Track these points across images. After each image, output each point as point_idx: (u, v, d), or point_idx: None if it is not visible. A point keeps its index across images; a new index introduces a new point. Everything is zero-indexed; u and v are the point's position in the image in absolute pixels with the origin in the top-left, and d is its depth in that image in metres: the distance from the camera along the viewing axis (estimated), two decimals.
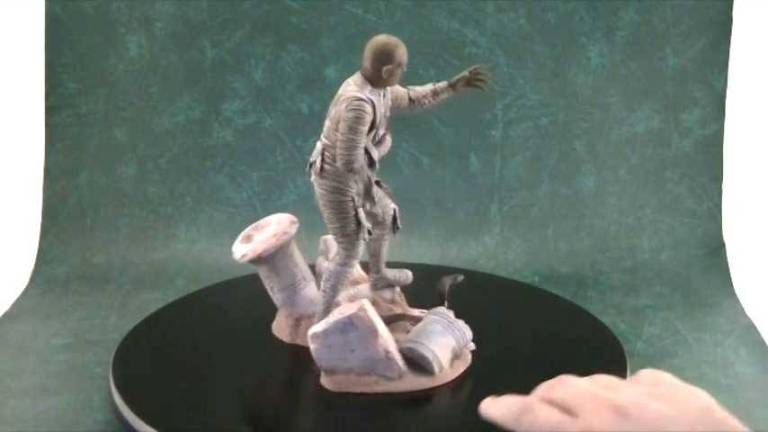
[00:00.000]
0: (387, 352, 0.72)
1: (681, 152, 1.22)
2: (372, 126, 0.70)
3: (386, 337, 0.72)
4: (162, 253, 1.18)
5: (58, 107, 1.20)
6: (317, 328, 0.72)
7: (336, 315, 0.71)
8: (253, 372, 0.79)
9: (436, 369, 0.73)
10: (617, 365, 0.79)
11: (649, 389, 0.47)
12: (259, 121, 1.22)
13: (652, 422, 0.44)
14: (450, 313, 0.77)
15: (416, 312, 0.82)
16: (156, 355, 0.82)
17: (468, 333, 0.77)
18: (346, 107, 0.68)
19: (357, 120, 0.68)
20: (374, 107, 0.69)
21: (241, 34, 1.21)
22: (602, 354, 0.82)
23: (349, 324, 0.70)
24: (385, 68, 0.69)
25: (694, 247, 1.19)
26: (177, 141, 1.22)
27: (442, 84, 0.75)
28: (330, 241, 0.88)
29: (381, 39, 0.70)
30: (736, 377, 0.88)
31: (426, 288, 0.83)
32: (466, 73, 0.75)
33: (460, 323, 0.77)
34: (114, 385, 0.74)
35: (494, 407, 0.49)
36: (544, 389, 0.49)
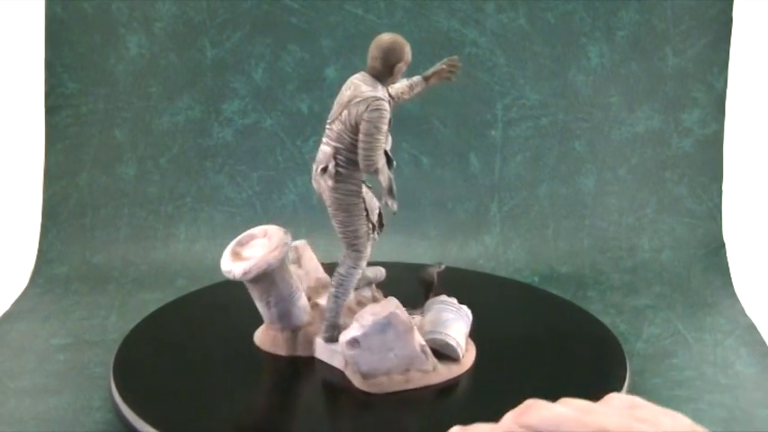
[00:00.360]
0: (422, 346, 0.73)
1: (681, 152, 1.22)
2: (389, 125, 0.70)
3: (417, 332, 0.74)
4: (162, 253, 1.18)
5: (58, 107, 1.20)
6: (354, 333, 0.71)
7: (369, 317, 0.71)
8: (253, 371, 0.79)
9: (460, 354, 0.76)
10: (617, 365, 0.79)
11: (628, 411, 0.45)
12: (259, 121, 1.22)
13: None
14: (454, 300, 0.79)
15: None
16: (157, 355, 0.82)
17: (470, 316, 0.80)
18: (367, 108, 0.68)
19: (381, 119, 0.68)
20: (389, 105, 0.70)
21: (241, 34, 1.21)
22: (602, 354, 0.82)
23: (387, 324, 0.71)
24: (398, 66, 0.70)
25: (694, 247, 1.19)
26: (177, 141, 1.22)
27: (417, 78, 0.77)
28: (301, 248, 0.88)
29: (388, 37, 0.70)
30: (736, 377, 0.88)
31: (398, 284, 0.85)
32: (443, 66, 0.76)
33: (465, 308, 0.79)
34: (114, 385, 0.74)
35: None
36: (515, 415, 0.46)
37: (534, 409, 0.45)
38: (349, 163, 0.71)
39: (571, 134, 1.23)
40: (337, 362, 0.76)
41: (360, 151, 0.69)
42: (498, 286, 1.03)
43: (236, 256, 0.78)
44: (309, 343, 0.79)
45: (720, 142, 1.22)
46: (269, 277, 0.77)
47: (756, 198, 1.24)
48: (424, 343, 0.74)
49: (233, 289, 0.99)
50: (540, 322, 0.90)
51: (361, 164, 0.70)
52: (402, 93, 0.77)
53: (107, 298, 1.08)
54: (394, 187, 0.73)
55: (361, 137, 0.69)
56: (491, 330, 0.84)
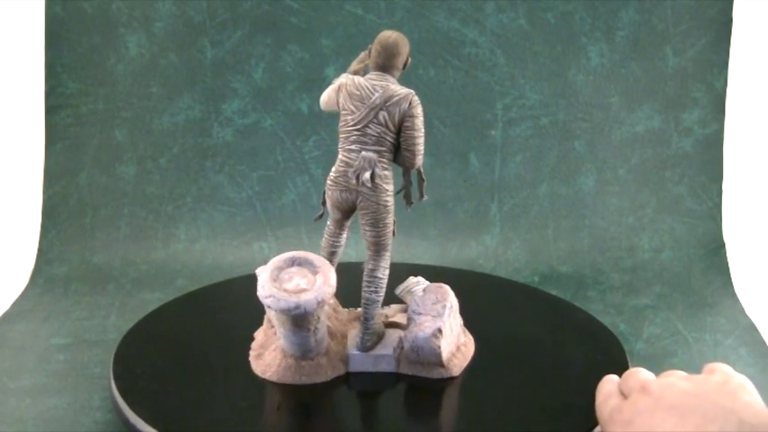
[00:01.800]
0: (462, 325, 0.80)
1: (681, 152, 1.22)
2: None
3: None
4: (162, 253, 1.18)
5: (58, 107, 1.20)
6: (435, 324, 0.73)
7: (431, 307, 0.75)
8: (252, 371, 0.79)
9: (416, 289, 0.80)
10: (617, 365, 0.79)
11: (703, 375, 0.59)
12: (259, 121, 1.22)
13: (668, 396, 0.55)
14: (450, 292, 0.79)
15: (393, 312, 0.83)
16: (156, 355, 0.82)
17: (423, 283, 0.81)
18: (410, 105, 0.69)
19: (421, 117, 0.70)
20: None
21: (241, 34, 1.21)
22: (603, 354, 0.82)
23: (450, 307, 0.76)
24: (410, 62, 0.71)
25: (694, 247, 1.19)
26: (177, 141, 1.22)
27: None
28: None
29: (393, 34, 0.71)
30: None
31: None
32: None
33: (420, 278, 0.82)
34: (114, 385, 0.74)
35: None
36: (625, 376, 0.64)
37: (635, 373, 0.62)
38: (388, 164, 0.71)
39: (571, 134, 1.23)
40: (386, 365, 0.75)
41: (412, 147, 0.70)
42: (498, 286, 1.03)
43: (278, 281, 0.70)
44: (341, 362, 0.77)
45: (720, 142, 1.22)
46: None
47: (756, 198, 1.24)
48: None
49: (233, 289, 0.99)
50: (540, 322, 0.90)
51: (417, 160, 0.71)
52: None
53: (107, 298, 1.08)
54: (424, 184, 0.74)
55: (411, 133, 0.70)
56: (491, 330, 0.84)
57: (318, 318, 0.71)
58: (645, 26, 1.20)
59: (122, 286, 1.12)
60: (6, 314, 1.03)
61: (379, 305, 0.76)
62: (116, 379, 0.75)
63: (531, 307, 0.96)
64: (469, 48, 1.21)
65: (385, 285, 0.76)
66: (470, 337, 0.81)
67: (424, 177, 0.73)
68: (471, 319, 0.83)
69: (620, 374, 0.77)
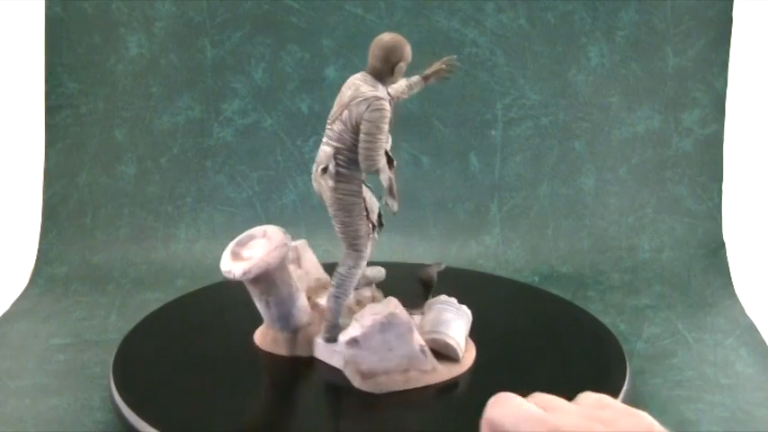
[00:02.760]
0: (421, 346, 0.73)
1: (681, 152, 1.22)
2: (391, 124, 0.71)
3: (417, 332, 0.74)
4: (162, 253, 1.18)
5: (58, 107, 1.20)
6: (353, 332, 0.72)
7: (369, 317, 0.72)
8: (253, 371, 0.79)
9: (460, 354, 0.76)
10: (617, 365, 0.79)
11: (592, 411, 0.45)
12: (259, 121, 1.22)
13: None
14: (454, 300, 0.79)
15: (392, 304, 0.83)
16: (156, 355, 0.82)
17: (470, 316, 0.80)
18: (368, 108, 0.68)
19: (382, 119, 0.69)
20: (390, 105, 0.70)
21: (241, 34, 1.21)
22: (602, 354, 0.82)
23: (387, 324, 0.71)
24: (398, 66, 0.70)
25: (694, 247, 1.19)
26: (177, 141, 1.22)
27: (415, 78, 0.78)
28: (301, 248, 0.88)
29: (388, 37, 0.71)
30: (736, 377, 0.88)
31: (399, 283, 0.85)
32: (441, 65, 0.77)
33: (464, 308, 0.79)
34: (114, 385, 0.74)
35: None
36: (489, 404, 0.47)
37: (500, 404, 0.46)
38: (350, 163, 0.71)
39: (571, 134, 1.23)
40: (336, 361, 0.76)
41: (361, 151, 0.69)
42: (498, 286, 1.03)
43: (236, 256, 0.77)
44: (309, 343, 0.79)
45: (720, 142, 1.22)
46: (268, 278, 0.77)
47: (756, 198, 1.24)
48: (423, 343, 0.74)
49: (233, 289, 0.99)
50: (540, 322, 0.90)
51: (363, 164, 0.70)
52: (401, 92, 0.77)
53: (107, 298, 1.08)
54: (395, 187, 0.73)
55: (362, 136, 0.69)
56: (491, 330, 0.84)
57: (270, 291, 0.76)
58: (645, 26, 1.20)
59: (122, 286, 1.12)
60: (6, 314, 1.03)
61: (340, 301, 0.77)
62: (116, 379, 0.75)
63: (531, 307, 0.96)
64: (469, 48, 1.21)
65: (348, 284, 0.76)
66: (467, 347, 0.79)
67: (385, 185, 0.72)
68: (471, 319, 0.83)
69: (619, 374, 0.77)
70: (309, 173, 0.75)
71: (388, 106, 0.69)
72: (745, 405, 0.82)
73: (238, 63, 1.21)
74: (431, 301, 0.81)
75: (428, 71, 0.78)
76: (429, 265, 0.87)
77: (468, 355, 0.78)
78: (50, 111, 1.20)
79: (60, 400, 0.81)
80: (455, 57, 0.77)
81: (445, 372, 0.75)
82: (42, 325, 1.00)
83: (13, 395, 0.82)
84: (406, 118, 1.19)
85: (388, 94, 0.73)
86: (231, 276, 0.75)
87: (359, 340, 0.71)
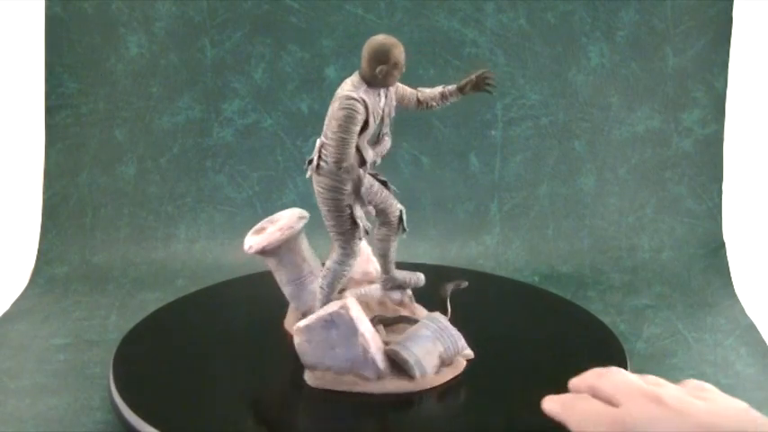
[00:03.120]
0: (366, 352, 0.71)
1: (681, 152, 1.22)
2: (366, 126, 0.70)
3: (368, 338, 0.72)
4: (162, 253, 1.18)
5: (58, 107, 1.20)
6: (303, 322, 0.72)
7: (320, 312, 0.72)
8: (252, 371, 0.79)
9: (417, 373, 0.72)
10: (617, 365, 0.79)
11: (694, 390, 0.52)
12: (259, 121, 1.22)
13: (689, 414, 0.48)
14: (443, 318, 0.76)
15: (422, 314, 0.82)
16: (156, 355, 0.82)
17: (461, 341, 0.75)
18: (339, 106, 0.68)
19: (347, 118, 0.68)
20: (366, 107, 0.69)
21: (241, 34, 1.21)
22: (603, 354, 0.82)
23: (330, 321, 0.71)
24: (379, 69, 0.69)
25: (694, 247, 1.19)
26: (177, 141, 1.22)
27: (452, 87, 0.75)
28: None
29: (378, 39, 0.70)
30: (737, 377, 0.88)
31: (428, 289, 0.83)
32: (473, 77, 0.74)
33: (453, 330, 0.75)
34: (114, 385, 0.74)
35: (550, 401, 0.56)
36: (594, 375, 0.55)
37: (609, 374, 0.54)
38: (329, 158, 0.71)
39: (571, 134, 1.23)
40: None
41: (328, 147, 0.70)
42: (498, 286, 1.03)
43: (259, 232, 0.81)
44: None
45: (720, 142, 1.22)
46: (276, 256, 0.80)
47: (756, 198, 1.24)
48: (371, 350, 0.72)
49: (233, 289, 0.99)
50: (540, 322, 0.90)
51: (330, 159, 0.70)
52: (432, 99, 0.75)
53: (107, 298, 1.08)
54: (361, 190, 0.72)
55: (329, 133, 0.69)
56: (491, 330, 0.84)
57: (279, 270, 0.80)
58: (645, 26, 1.20)
59: (122, 286, 1.12)
60: (6, 314, 1.03)
61: (323, 293, 0.77)
62: (116, 379, 0.75)
63: (531, 307, 0.96)
64: (469, 48, 1.21)
65: (331, 279, 0.76)
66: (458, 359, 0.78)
67: (351, 187, 0.72)
68: (471, 319, 0.83)
69: None
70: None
71: (357, 106, 0.68)
72: None
73: (238, 63, 1.21)
74: (426, 314, 0.79)
75: (462, 82, 0.75)
76: (450, 282, 0.84)
77: (439, 377, 0.74)
78: (50, 111, 1.20)
79: (60, 400, 0.81)
80: (489, 69, 0.74)
81: (394, 384, 0.73)
82: (42, 325, 1.00)
83: (13, 395, 0.82)
84: (406, 118, 1.18)
85: (418, 99, 0.74)
86: (245, 249, 0.80)
87: (303, 331, 0.72)
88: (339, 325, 0.71)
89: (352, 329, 0.71)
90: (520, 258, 1.19)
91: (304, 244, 0.83)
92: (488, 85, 0.74)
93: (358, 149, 0.71)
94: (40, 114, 1.20)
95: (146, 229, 1.20)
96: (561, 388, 0.73)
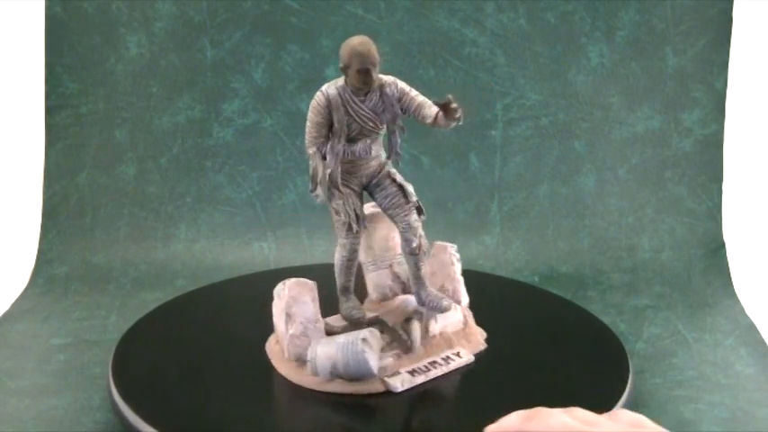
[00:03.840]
0: (292, 336, 0.75)
1: (681, 152, 1.22)
2: (331, 123, 0.73)
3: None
4: (162, 253, 1.18)
5: (58, 107, 1.20)
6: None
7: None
8: (252, 371, 0.79)
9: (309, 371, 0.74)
10: (618, 365, 0.79)
11: (628, 428, 0.46)
12: (259, 121, 1.22)
13: None
14: (376, 343, 0.74)
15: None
16: (156, 355, 0.82)
17: (370, 368, 0.72)
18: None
19: (311, 109, 0.73)
20: (329, 102, 0.72)
21: (241, 34, 1.21)
22: (603, 354, 0.82)
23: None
24: (340, 67, 0.72)
25: (694, 247, 1.19)
26: (177, 141, 1.22)
27: (434, 107, 0.73)
28: (376, 218, 0.85)
29: (348, 40, 0.71)
30: (737, 377, 0.88)
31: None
32: (440, 105, 0.71)
33: (369, 355, 0.72)
34: (114, 385, 0.74)
35: None
36: (521, 419, 0.47)
37: (541, 417, 0.46)
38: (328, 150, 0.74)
39: (571, 134, 1.23)
40: None
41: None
42: (498, 286, 1.03)
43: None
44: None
45: (720, 142, 1.22)
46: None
47: (756, 198, 1.24)
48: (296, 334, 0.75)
49: (233, 289, 0.99)
50: (540, 322, 0.90)
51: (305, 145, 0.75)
52: (414, 110, 0.75)
53: (107, 298, 1.08)
54: (318, 177, 0.74)
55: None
56: (491, 330, 0.84)
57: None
58: (645, 26, 1.20)
59: (122, 286, 1.12)
60: (6, 314, 1.03)
61: (341, 284, 0.80)
62: (116, 379, 0.75)
63: (531, 307, 0.96)
64: (469, 48, 1.21)
65: (338, 267, 0.79)
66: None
67: (310, 172, 0.75)
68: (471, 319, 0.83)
69: (621, 374, 0.77)
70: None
71: (319, 99, 0.73)
72: (745, 405, 0.82)
73: (238, 63, 1.21)
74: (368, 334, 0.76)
75: (434, 112, 0.73)
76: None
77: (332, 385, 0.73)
78: (50, 111, 1.20)
79: (60, 400, 0.81)
80: (450, 96, 0.70)
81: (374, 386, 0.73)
82: (42, 325, 1.00)
83: (13, 395, 0.82)
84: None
85: (414, 111, 0.74)
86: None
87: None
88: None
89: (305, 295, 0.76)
90: (520, 258, 1.19)
91: (380, 233, 0.83)
92: (455, 114, 0.70)
93: (329, 142, 0.74)
94: (40, 114, 1.21)
95: (146, 230, 1.20)
96: (561, 387, 0.74)
